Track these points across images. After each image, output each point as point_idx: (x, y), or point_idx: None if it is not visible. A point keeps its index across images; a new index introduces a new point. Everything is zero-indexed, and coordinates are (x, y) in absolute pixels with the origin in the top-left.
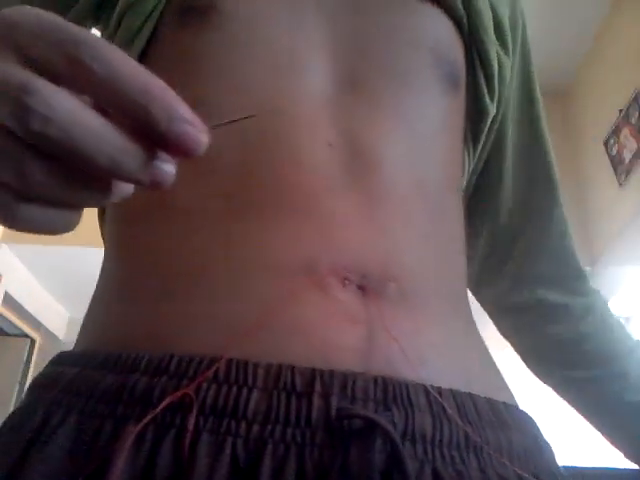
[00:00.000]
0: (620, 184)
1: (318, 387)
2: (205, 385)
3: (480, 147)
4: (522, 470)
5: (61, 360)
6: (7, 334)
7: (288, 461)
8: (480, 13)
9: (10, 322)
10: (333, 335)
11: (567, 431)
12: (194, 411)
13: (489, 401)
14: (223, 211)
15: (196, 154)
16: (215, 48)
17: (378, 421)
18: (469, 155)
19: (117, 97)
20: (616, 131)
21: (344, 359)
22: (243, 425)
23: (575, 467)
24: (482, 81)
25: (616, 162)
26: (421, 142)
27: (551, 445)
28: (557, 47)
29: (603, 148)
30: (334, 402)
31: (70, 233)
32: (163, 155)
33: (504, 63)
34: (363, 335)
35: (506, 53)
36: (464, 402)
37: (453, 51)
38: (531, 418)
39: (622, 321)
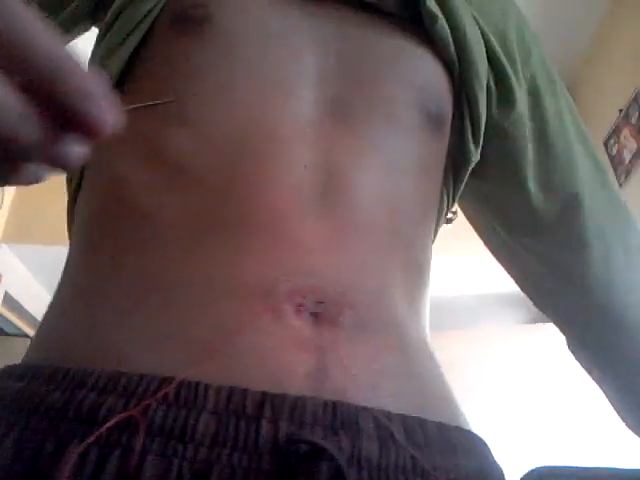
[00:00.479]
0: (620, 184)
1: (268, 411)
2: (154, 405)
3: (460, 190)
4: None
5: (7, 373)
6: (7, 334)
7: None
8: (474, 62)
9: (10, 322)
10: (285, 360)
11: (567, 431)
12: (141, 432)
13: (440, 425)
14: (192, 228)
15: (102, 134)
16: (205, 60)
17: (324, 446)
18: (448, 196)
19: (27, 65)
20: (616, 131)
21: (296, 384)
22: (190, 447)
23: (575, 467)
24: (468, 126)
25: (616, 162)
26: (396, 176)
27: (501, 468)
28: (557, 47)
29: (603, 148)
30: (283, 427)
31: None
32: (70, 135)
33: (514, 89)
34: (315, 361)
35: (517, 80)
36: (414, 427)
37: (441, 93)
38: (482, 441)
39: None
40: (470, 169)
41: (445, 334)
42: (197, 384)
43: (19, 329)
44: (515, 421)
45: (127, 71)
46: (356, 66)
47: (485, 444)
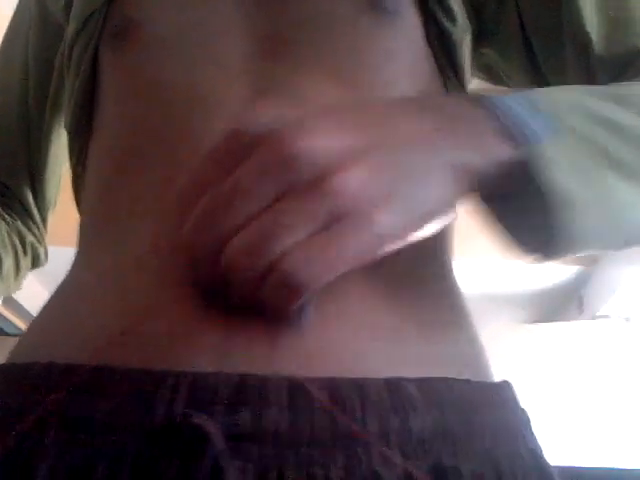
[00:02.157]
0: None
1: (165, 391)
2: (62, 396)
3: (467, 77)
4: (438, 456)
5: None
6: (7, 334)
7: (121, 472)
8: None
9: (10, 322)
10: (193, 334)
11: (568, 431)
12: (53, 425)
13: (389, 382)
14: (122, 210)
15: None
16: (140, 65)
17: (206, 430)
18: (450, 80)
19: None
20: None
21: (203, 360)
22: (88, 436)
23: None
24: (434, 4)
25: None
26: (360, 86)
27: (515, 422)
28: None
29: None
30: (178, 407)
31: (70, 234)
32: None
33: None
34: (224, 332)
35: None
36: (347, 391)
37: None
38: (481, 392)
39: (622, 321)
40: (462, 48)
41: None
42: (102, 369)
43: (19, 329)
44: None
45: (92, 101)
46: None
47: (486, 395)
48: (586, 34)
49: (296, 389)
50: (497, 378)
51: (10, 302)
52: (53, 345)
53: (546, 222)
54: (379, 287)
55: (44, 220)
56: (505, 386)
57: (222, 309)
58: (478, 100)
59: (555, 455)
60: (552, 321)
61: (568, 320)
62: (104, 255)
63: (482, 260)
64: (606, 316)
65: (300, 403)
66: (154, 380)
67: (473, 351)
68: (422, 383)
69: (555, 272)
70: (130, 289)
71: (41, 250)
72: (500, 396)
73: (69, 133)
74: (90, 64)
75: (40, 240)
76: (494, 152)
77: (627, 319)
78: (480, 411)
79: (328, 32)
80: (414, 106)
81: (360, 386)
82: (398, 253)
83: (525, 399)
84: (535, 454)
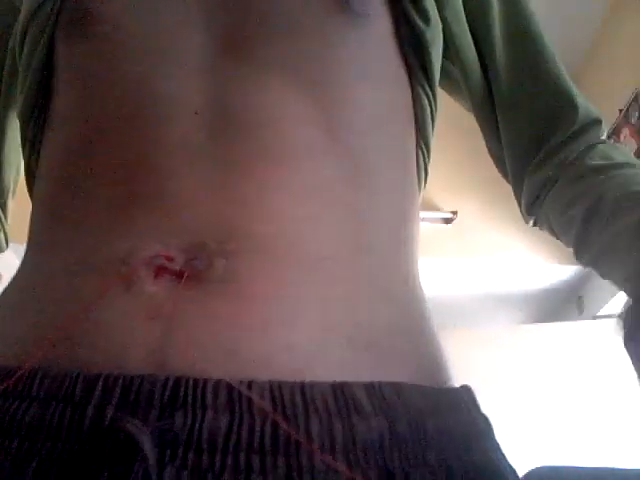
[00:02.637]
0: None
1: (96, 395)
2: None
3: (436, 79)
4: (385, 463)
5: None
6: None
7: (48, 478)
8: None
9: None
10: (129, 335)
11: (567, 430)
12: None
13: (337, 387)
14: (76, 206)
15: None
16: (94, 55)
17: (135, 436)
18: (422, 86)
19: None
20: (616, 131)
21: (137, 361)
22: (15, 442)
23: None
24: (407, 2)
25: None
26: (325, 88)
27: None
28: (557, 47)
29: None
30: (109, 412)
31: None
32: None
33: None
34: (161, 331)
35: None
36: (291, 395)
37: None
38: (424, 395)
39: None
40: (434, 52)
41: (444, 334)
42: (35, 373)
43: None
44: (514, 421)
45: (46, 88)
46: None
47: (428, 400)
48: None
49: (235, 393)
50: (497, 378)
51: None
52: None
53: None
54: (335, 291)
55: (2, 205)
56: (462, 391)
57: (161, 311)
58: None
59: (553, 455)
60: (552, 321)
61: (568, 320)
62: (49, 254)
63: (481, 260)
64: (606, 316)
65: (239, 407)
66: (86, 383)
67: (430, 356)
68: (371, 387)
69: (555, 272)
70: (71, 291)
71: (1, 235)
72: (455, 401)
73: (22, 122)
74: (44, 52)
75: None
76: None
77: None
78: (433, 416)
79: (293, 32)
80: None
81: (304, 390)
82: (358, 257)
83: (525, 399)
84: (491, 461)
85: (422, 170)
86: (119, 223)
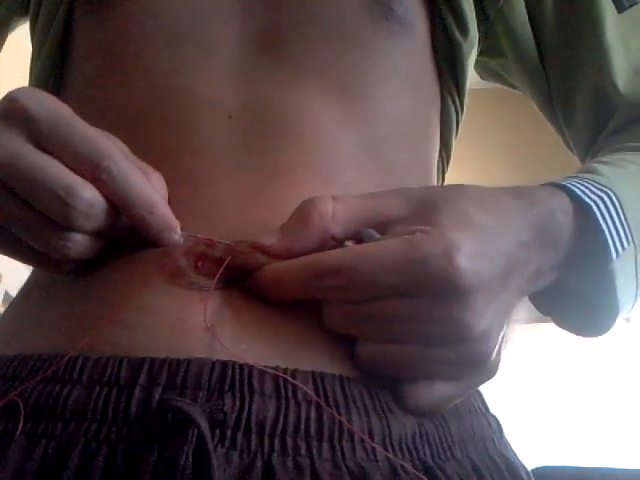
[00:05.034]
0: None
1: (143, 378)
2: (32, 386)
3: (466, 89)
4: (419, 456)
5: None
6: None
7: (95, 460)
8: None
9: None
10: (178, 321)
11: (567, 430)
12: (22, 415)
13: (370, 387)
14: None
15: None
16: (119, 35)
17: (191, 414)
18: (452, 96)
19: (124, 207)
20: None
21: (188, 345)
22: (60, 425)
23: (575, 467)
24: (447, 12)
25: None
26: (367, 101)
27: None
28: None
29: None
30: (156, 393)
31: None
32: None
33: None
34: (208, 317)
35: None
36: (332, 386)
37: None
38: None
39: (622, 322)
40: (468, 60)
41: None
42: (76, 359)
43: None
44: (514, 421)
45: (64, 58)
46: None
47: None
48: (612, 81)
49: (280, 380)
50: (497, 378)
51: (10, 302)
52: (25, 336)
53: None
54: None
55: None
56: (475, 394)
57: (204, 299)
58: (579, 213)
59: (554, 455)
60: (551, 321)
61: None
62: None
63: None
64: None
65: (284, 394)
66: (131, 366)
67: None
68: None
69: None
70: (112, 280)
71: None
72: (470, 404)
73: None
74: (62, 23)
75: None
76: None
77: (627, 319)
78: (455, 418)
79: (334, 37)
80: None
81: (343, 384)
82: None
83: (525, 399)
84: (508, 460)
85: (440, 176)
86: None
